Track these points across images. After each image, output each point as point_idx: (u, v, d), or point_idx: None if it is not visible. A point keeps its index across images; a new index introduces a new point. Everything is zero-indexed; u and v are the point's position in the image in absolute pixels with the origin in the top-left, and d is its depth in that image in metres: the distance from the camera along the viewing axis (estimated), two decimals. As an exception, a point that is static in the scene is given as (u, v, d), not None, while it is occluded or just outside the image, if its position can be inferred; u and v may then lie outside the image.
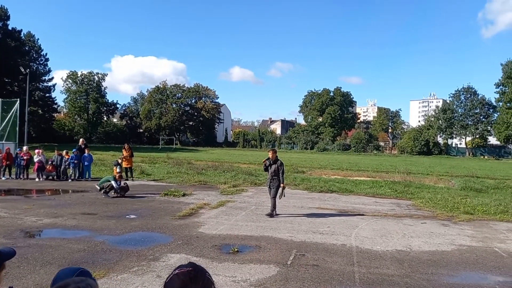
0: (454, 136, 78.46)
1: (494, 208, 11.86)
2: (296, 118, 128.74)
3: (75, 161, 17.72)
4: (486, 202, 12.85)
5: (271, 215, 10.10)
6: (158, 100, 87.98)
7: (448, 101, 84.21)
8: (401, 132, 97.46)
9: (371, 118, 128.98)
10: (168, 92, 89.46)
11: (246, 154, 52.85)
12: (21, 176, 17.60)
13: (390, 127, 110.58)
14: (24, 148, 18.45)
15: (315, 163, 34.07)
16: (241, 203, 12.19)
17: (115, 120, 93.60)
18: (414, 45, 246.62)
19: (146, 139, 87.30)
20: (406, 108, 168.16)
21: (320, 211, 11.26)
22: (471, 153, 73.47)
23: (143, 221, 9.25)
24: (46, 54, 66.58)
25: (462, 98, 76.67)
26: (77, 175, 17.80)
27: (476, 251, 7.45)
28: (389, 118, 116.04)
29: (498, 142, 73.55)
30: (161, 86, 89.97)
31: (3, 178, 17.43)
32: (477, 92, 75.35)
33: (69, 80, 79.06)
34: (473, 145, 75.03)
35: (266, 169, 10.62)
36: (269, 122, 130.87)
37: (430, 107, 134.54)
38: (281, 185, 10.17)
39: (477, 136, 74.85)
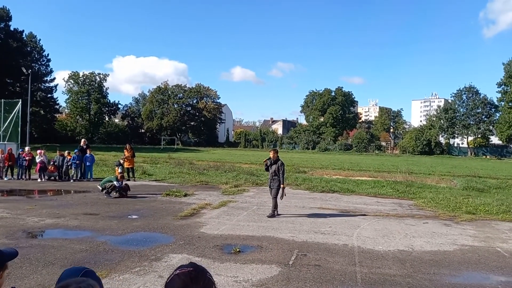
0: (456, 135, 78.29)
1: (496, 208, 11.83)
2: (297, 118, 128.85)
3: (77, 162, 17.76)
4: (488, 202, 12.81)
5: (272, 215, 10.10)
6: (159, 100, 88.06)
7: (450, 101, 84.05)
8: (402, 132, 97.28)
9: (372, 118, 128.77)
10: (169, 92, 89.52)
11: (248, 154, 52.85)
12: (23, 177, 17.65)
13: (391, 127, 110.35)
14: (26, 148, 18.49)
15: (317, 163, 34.04)
16: (243, 203, 12.20)
17: (116, 120, 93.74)
18: (415, 45, 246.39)
19: (147, 139, 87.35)
20: (407, 108, 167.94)
21: (322, 211, 11.25)
22: (473, 153, 73.29)
23: (145, 221, 9.27)
24: (48, 54, 66.81)
25: (464, 97, 76.49)
26: (79, 175, 17.85)
27: (478, 251, 7.43)
28: (391, 118, 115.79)
29: (500, 142, 73.28)
30: (163, 87, 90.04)
31: (5, 179, 17.48)
32: (479, 92, 75.20)
33: (70, 80, 79.28)
34: (475, 144, 74.85)
35: (267, 169, 10.64)
36: (270, 122, 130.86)
37: (431, 106, 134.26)
38: (281, 185, 10.16)
39: (479, 136, 74.65)
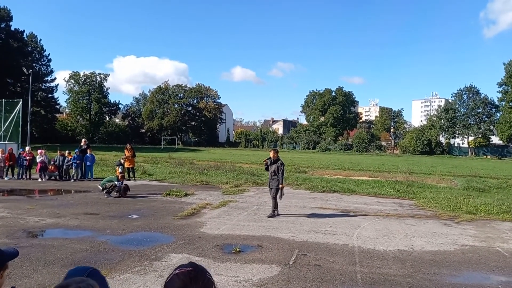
0: (457, 135, 78.21)
1: (496, 207, 11.82)
2: (298, 118, 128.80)
3: (78, 161, 17.78)
4: (489, 202, 12.80)
5: (272, 215, 10.10)
6: (160, 100, 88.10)
7: (450, 101, 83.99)
8: (403, 131, 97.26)
9: (373, 118, 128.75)
10: (170, 92, 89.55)
11: (248, 154, 52.85)
12: (24, 177, 17.66)
13: (392, 127, 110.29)
14: (27, 148, 18.51)
15: (317, 163, 34.03)
16: (243, 203, 12.20)
17: (117, 120, 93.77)
18: (416, 45, 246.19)
19: (148, 139, 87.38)
20: (408, 107, 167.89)
21: (322, 211, 11.25)
22: (473, 153, 73.23)
23: (145, 221, 9.27)
24: (49, 54, 66.87)
25: (465, 97, 76.43)
26: (79, 175, 17.86)
27: (479, 251, 7.42)
28: (391, 118, 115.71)
29: (500, 142, 73.21)
30: (163, 86, 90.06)
31: (6, 178, 17.50)
32: (480, 92, 75.12)
33: (71, 80, 79.39)
34: (476, 144, 74.77)
35: (267, 169, 10.64)
36: (271, 122, 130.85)
37: (432, 106, 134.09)
38: (280, 185, 10.16)
39: (480, 136, 74.57)
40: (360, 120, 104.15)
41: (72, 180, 17.39)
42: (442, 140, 79.53)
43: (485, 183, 18.97)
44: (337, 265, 6.27)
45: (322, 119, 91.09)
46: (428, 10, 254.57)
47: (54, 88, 68.90)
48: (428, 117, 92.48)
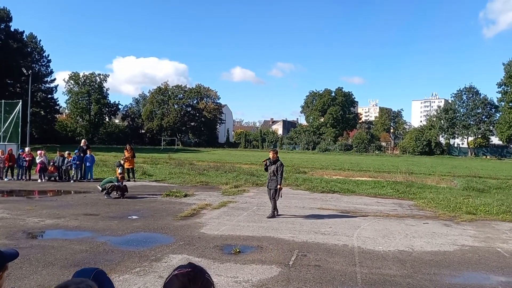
0: (456, 136, 78.27)
1: (496, 208, 11.83)
2: (297, 119, 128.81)
3: (77, 162, 17.78)
4: (489, 202, 12.81)
5: (272, 216, 10.10)
6: (160, 101, 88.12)
7: (450, 101, 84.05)
8: (403, 132, 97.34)
9: (373, 118, 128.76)
10: (169, 93, 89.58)
11: (248, 154, 52.85)
12: (23, 177, 17.65)
13: (392, 127, 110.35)
14: (26, 149, 18.50)
15: (317, 164, 34.04)
16: (243, 204, 12.20)
17: (117, 121, 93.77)
18: (415, 45, 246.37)
19: (148, 140, 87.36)
20: (408, 108, 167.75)
21: (322, 212, 11.25)
22: (473, 153, 73.27)
23: (145, 221, 9.27)
24: (48, 55, 66.78)
25: (464, 98, 76.51)
26: (79, 176, 17.86)
27: (479, 251, 7.43)
28: (391, 118, 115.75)
29: (500, 142, 73.28)
30: (163, 87, 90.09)
31: (5, 179, 17.49)
32: (479, 92, 75.25)
33: (71, 81, 79.38)
34: (475, 145, 74.83)
35: (266, 169, 10.63)
36: (270, 123, 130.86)
37: (432, 107, 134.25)
38: (278, 186, 10.15)
39: (479, 136, 74.63)
40: (360, 121, 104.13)
41: (71, 181, 17.38)
42: (442, 140, 79.60)
43: (485, 184, 18.97)
44: (337, 266, 6.27)
45: (322, 120, 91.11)
46: (428, 10, 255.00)
47: (54, 88, 68.97)
48: (427, 117, 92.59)
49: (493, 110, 73.90)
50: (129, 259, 6.28)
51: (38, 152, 18.16)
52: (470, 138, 76.43)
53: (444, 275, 5.99)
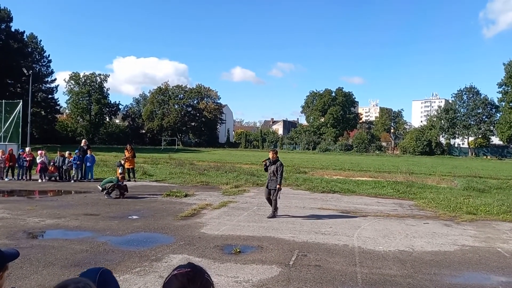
0: (457, 136, 78.23)
1: (497, 208, 11.82)
2: (298, 119, 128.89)
3: (78, 162, 17.79)
4: (489, 202, 12.80)
5: (272, 216, 10.09)
6: (160, 101, 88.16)
7: (450, 101, 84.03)
8: (403, 132, 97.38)
9: (373, 118, 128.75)
10: (170, 93, 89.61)
11: (248, 154, 52.85)
12: (24, 177, 17.67)
13: (392, 127, 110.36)
14: (27, 149, 18.52)
15: (317, 164, 34.03)
16: (243, 204, 12.20)
17: (117, 121, 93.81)
18: (415, 45, 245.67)
19: (148, 140, 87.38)
20: (408, 108, 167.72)
21: (322, 212, 11.25)
22: (473, 153, 73.24)
23: (146, 221, 9.27)
24: (49, 55, 66.79)
25: (465, 98, 76.47)
26: (79, 176, 17.87)
27: (479, 251, 7.42)
28: (391, 118, 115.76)
29: (500, 142, 73.24)
30: (163, 87, 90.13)
31: (6, 179, 17.50)
32: (480, 92, 75.20)
33: (71, 81, 79.44)
34: (476, 145, 74.79)
35: (266, 169, 10.62)
36: (271, 123, 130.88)
37: (432, 107, 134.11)
38: (277, 186, 10.14)
39: (480, 136, 74.60)
40: (360, 121, 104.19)
41: (72, 181, 17.39)
42: (442, 140, 79.56)
43: (485, 184, 18.97)
44: (337, 266, 6.27)
45: (322, 120, 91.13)
46: (428, 10, 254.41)
47: (54, 89, 69.00)
48: (428, 117, 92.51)
49: (494, 110, 73.87)
50: (129, 259, 6.28)
51: (39, 152, 18.17)
52: (471, 138, 76.40)
53: (445, 275, 5.99)
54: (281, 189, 10.38)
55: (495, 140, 75.76)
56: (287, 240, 7.86)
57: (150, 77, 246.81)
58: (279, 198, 10.36)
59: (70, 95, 79.07)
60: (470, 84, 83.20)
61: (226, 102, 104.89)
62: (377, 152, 75.53)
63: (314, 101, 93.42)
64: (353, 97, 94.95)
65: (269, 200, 10.39)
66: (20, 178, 17.68)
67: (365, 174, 24.28)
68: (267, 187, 10.37)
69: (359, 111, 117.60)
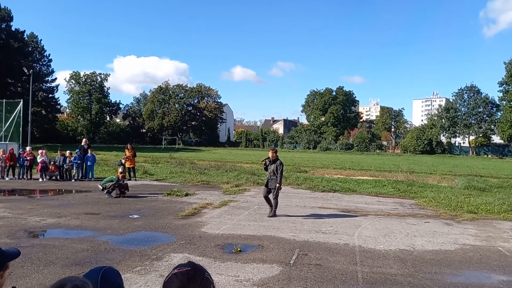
0: (457, 135, 78.13)
1: (497, 207, 11.82)
2: (298, 118, 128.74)
3: (78, 161, 17.81)
4: (490, 201, 12.80)
5: (273, 215, 10.09)
6: (160, 100, 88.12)
7: (451, 100, 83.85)
8: (404, 131, 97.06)
9: (373, 118, 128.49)
10: (170, 92, 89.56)
11: (249, 153, 52.85)
12: (25, 177, 17.68)
13: (393, 126, 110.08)
14: (28, 148, 18.53)
15: (318, 163, 34.03)
16: (244, 203, 12.20)
17: (118, 120, 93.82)
18: (416, 45, 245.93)
19: (148, 139, 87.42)
20: (409, 107, 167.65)
21: (323, 211, 11.25)
22: (474, 152, 73.15)
23: (146, 221, 9.28)
24: (49, 55, 66.85)
25: (465, 97, 76.34)
26: (80, 175, 17.89)
27: (480, 250, 7.42)
28: (392, 117, 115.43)
29: (501, 141, 73.11)
30: (164, 86, 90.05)
31: (6, 179, 17.51)
32: (480, 91, 75.02)
33: (72, 80, 79.41)
34: (477, 144, 74.68)
35: (266, 168, 10.61)
36: (271, 122, 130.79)
37: (433, 106, 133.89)
38: (277, 185, 10.13)
39: (481, 135, 74.47)
40: (361, 120, 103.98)
41: (73, 180, 17.41)
42: (443, 139, 79.44)
43: (486, 183, 18.95)
44: (338, 265, 6.27)
45: (323, 119, 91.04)
46: (428, 10, 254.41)
47: (55, 88, 69.02)
48: (429, 116, 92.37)
49: (494, 109, 73.73)
50: (130, 258, 6.29)
51: (39, 151, 18.17)
52: (471, 137, 76.30)
53: (445, 274, 5.98)
54: (281, 188, 10.37)
55: (496, 139, 75.65)
56: (288, 239, 7.86)
57: (150, 76, 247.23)
58: (277, 198, 10.35)
59: (71, 94, 79.09)
60: (471, 83, 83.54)
61: (227, 102, 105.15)
62: (377, 151, 75.44)
63: (315, 100, 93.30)
64: (354, 96, 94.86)
65: (266, 198, 10.39)
66: (20, 177, 17.70)
67: (365, 173, 24.27)
68: (266, 186, 10.36)
69: (359, 110, 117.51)
